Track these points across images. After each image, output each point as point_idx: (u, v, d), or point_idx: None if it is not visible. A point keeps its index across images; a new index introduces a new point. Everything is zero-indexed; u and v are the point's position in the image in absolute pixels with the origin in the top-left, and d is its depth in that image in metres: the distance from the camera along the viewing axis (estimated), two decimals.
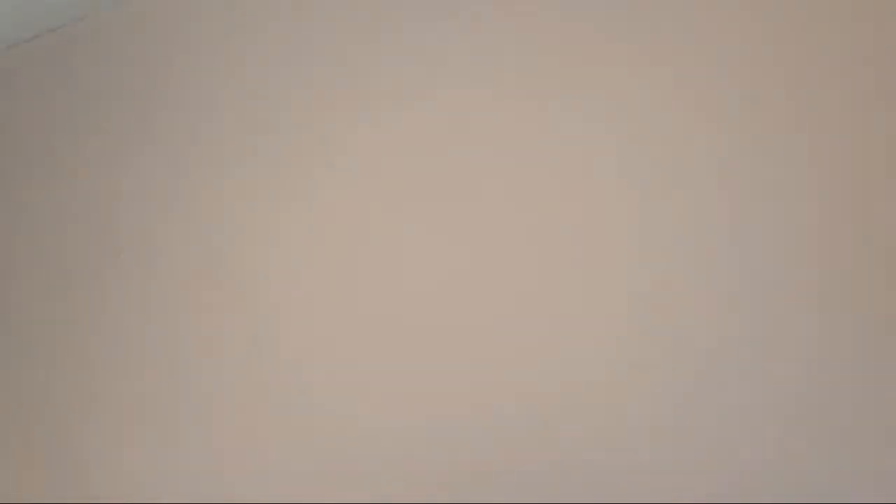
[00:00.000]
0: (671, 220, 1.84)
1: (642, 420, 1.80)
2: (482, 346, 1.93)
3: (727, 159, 1.81)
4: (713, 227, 1.82)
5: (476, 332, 1.94)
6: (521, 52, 1.89)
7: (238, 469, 2.12)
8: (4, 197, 2.13)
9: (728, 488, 1.69)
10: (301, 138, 2.02)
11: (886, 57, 1.72)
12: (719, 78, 1.82)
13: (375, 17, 1.95)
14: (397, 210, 1.97)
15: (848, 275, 1.69)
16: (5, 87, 2.02)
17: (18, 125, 2.04)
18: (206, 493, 2.08)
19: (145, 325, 2.12)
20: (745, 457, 1.68)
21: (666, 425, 1.77)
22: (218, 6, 2.03)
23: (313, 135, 2.02)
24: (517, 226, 1.92)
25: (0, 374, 2.20)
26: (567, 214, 1.90)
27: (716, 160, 1.82)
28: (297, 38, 1.99)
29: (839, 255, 1.72)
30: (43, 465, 2.21)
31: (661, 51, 1.84)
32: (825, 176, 1.72)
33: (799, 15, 1.79)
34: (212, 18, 2.08)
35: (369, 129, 1.98)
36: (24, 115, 2.04)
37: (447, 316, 1.94)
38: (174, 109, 2.03)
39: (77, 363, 2.21)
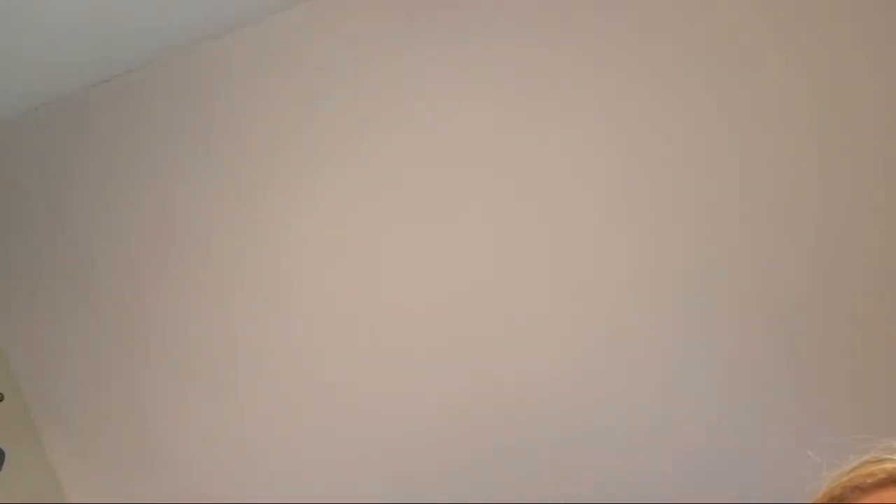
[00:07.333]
0: (670, 222, 1.84)
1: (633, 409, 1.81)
2: (485, 340, 1.97)
3: (726, 158, 1.81)
4: (714, 231, 1.81)
5: (479, 328, 1.98)
6: (520, 65, 1.93)
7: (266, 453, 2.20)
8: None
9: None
10: (320, 157, 2.12)
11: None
12: (720, 83, 1.83)
13: (381, 31, 2.03)
14: (409, 219, 2.04)
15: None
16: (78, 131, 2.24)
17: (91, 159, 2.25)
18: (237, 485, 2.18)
19: (184, 327, 2.25)
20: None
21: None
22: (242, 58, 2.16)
23: (330, 150, 2.11)
24: (517, 227, 1.95)
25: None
26: (565, 214, 1.92)
27: (715, 158, 1.82)
28: (311, 64, 2.10)
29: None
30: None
31: (658, 59, 1.86)
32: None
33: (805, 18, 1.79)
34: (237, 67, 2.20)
35: (378, 138, 2.06)
36: (93, 153, 2.25)
37: (453, 312, 2.00)
38: (210, 142, 2.17)
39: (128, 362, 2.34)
